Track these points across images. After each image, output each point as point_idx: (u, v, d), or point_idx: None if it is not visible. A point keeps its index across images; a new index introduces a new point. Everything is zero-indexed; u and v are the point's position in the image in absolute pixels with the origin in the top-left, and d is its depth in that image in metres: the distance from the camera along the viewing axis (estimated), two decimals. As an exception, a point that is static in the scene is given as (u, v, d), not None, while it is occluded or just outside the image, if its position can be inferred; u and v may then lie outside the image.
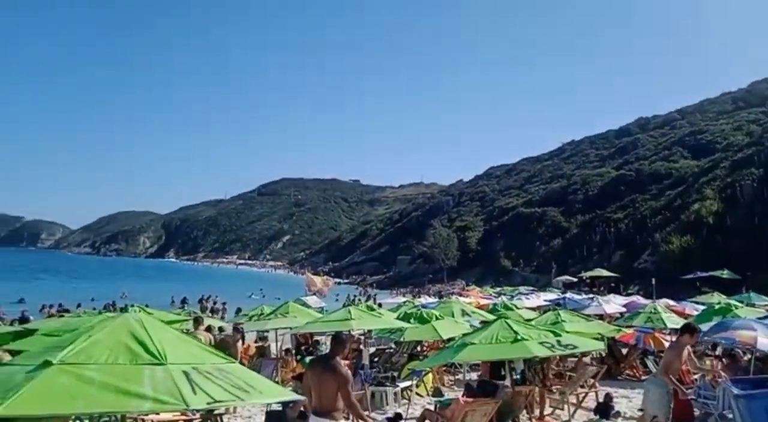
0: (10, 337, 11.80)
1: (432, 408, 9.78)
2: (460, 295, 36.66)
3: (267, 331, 18.04)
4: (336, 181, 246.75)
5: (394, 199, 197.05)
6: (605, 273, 47.90)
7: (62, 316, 15.51)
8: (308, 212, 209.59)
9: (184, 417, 9.12)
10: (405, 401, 12.23)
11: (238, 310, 25.94)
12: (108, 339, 4.03)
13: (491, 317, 15.70)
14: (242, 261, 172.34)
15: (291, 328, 15.49)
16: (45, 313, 26.22)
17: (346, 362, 11.66)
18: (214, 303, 37.26)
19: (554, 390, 11.48)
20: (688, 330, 8.32)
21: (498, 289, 45.96)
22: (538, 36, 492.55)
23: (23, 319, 17.63)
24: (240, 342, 15.44)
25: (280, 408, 9.59)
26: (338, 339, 6.51)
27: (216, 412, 9.45)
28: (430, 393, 12.76)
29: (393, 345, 17.05)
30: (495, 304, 23.99)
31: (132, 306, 5.60)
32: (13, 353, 10.73)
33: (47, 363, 3.70)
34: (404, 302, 25.77)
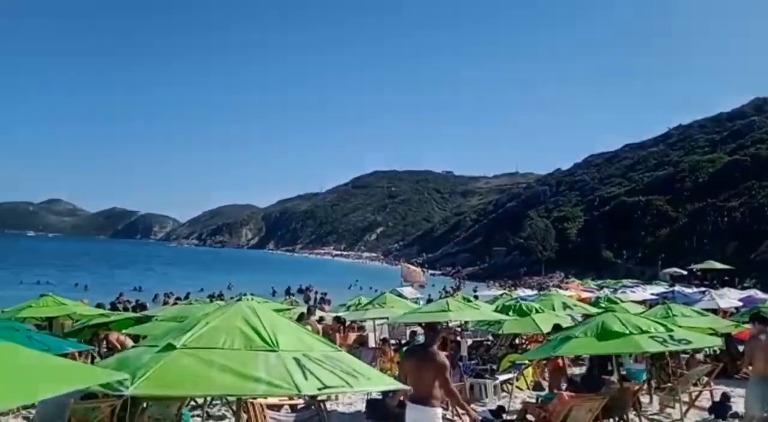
0: (131, 322, 12.75)
1: (533, 401, 9.59)
2: (559, 288, 35.61)
3: (365, 321, 18.37)
4: (429, 173, 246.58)
5: (488, 190, 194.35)
6: (718, 265, 44.81)
7: (176, 304, 16.52)
8: (401, 204, 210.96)
9: (290, 402, 9.45)
10: (505, 394, 12.06)
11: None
12: (224, 325, 4.25)
13: (594, 310, 15.15)
14: (338, 253, 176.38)
15: (388, 318, 15.67)
16: (159, 301, 28.00)
17: (444, 353, 11.68)
18: (316, 293, 38.39)
19: (664, 388, 10.92)
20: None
21: (600, 282, 44.21)
22: (637, 17, 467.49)
23: (141, 306, 18.97)
24: (342, 331, 15.83)
25: (380, 397, 9.73)
26: (433, 328, 6.53)
27: (319, 398, 9.73)
28: (531, 386, 12.50)
29: (491, 338, 16.85)
30: (598, 297, 23.11)
31: (245, 295, 5.88)
32: (133, 337, 11.63)
33: (171, 347, 3.95)
34: (501, 294, 25.39)
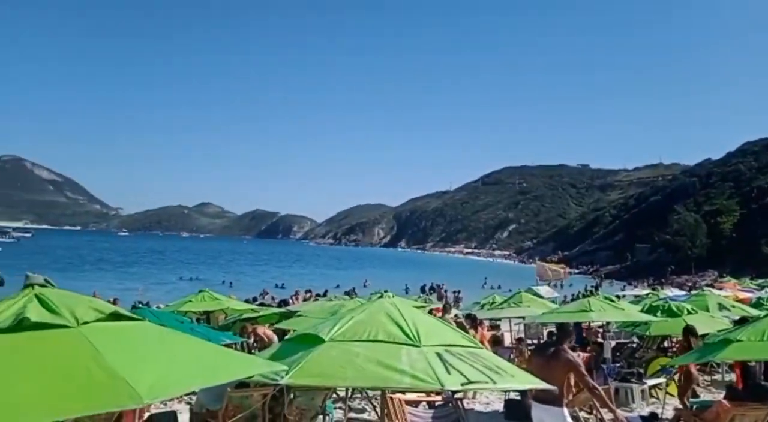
0: (276, 317, 13.52)
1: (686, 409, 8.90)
2: (712, 287, 32.77)
3: (499, 320, 18.07)
4: (563, 167, 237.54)
5: (629, 183, 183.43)
6: None
7: (316, 300, 17.29)
8: (534, 200, 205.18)
9: (427, 399, 9.54)
10: (654, 400, 11.33)
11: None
12: (368, 320, 4.39)
13: (755, 312, 13.78)
14: (469, 251, 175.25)
15: (524, 318, 15.30)
16: (299, 297, 29.40)
17: (586, 354, 11.18)
18: (446, 291, 38.43)
19: None
20: None
21: (761, 281, 40.09)
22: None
23: (284, 302, 20.06)
24: (474, 330, 15.68)
25: (519, 398, 9.53)
26: (564, 328, 6.34)
27: (457, 397, 9.72)
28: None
29: (636, 340, 15.90)
30: (759, 298, 20.99)
31: (386, 291, 6.05)
32: (276, 331, 12.33)
33: (320, 340, 4.16)
34: (647, 294, 23.85)
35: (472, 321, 15.90)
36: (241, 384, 7.43)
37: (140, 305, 15.03)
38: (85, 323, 2.99)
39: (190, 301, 13.40)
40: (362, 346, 4.05)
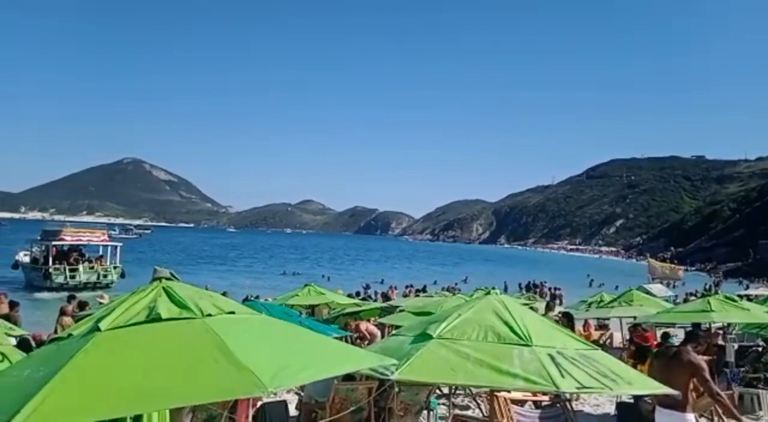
0: (378, 312, 13.70)
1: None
2: None
3: (608, 320, 17.31)
4: (675, 159, 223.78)
5: (750, 175, 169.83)
6: None
7: (417, 296, 17.36)
8: (643, 194, 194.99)
9: (533, 398, 9.31)
10: (785, 409, 10.41)
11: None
12: (476, 318, 4.32)
13: None
14: (572, 247, 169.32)
15: (635, 317, 14.55)
16: (393, 292, 29.63)
17: (706, 358, 10.47)
18: (549, 289, 37.36)
19: None
20: None
21: None
22: None
23: (387, 297, 20.31)
24: (571, 329, 15.09)
25: (632, 401, 9.07)
26: (693, 334, 5.97)
27: (565, 398, 9.41)
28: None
29: (762, 343, 14.69)
30: None
31: (493, 288, 5.94)
32: (378, 325, 12.47)
33: (428, 337, 4.15)
34: (773, 294, 21.99)
35: (568, 320, 15.30)
36: (347, 377, 7.59)
37: (252, 299, 15.70)
38: (209, 315, 3.15)
39: (297, 295, 13.84)
40: (471, 346, 3.99)
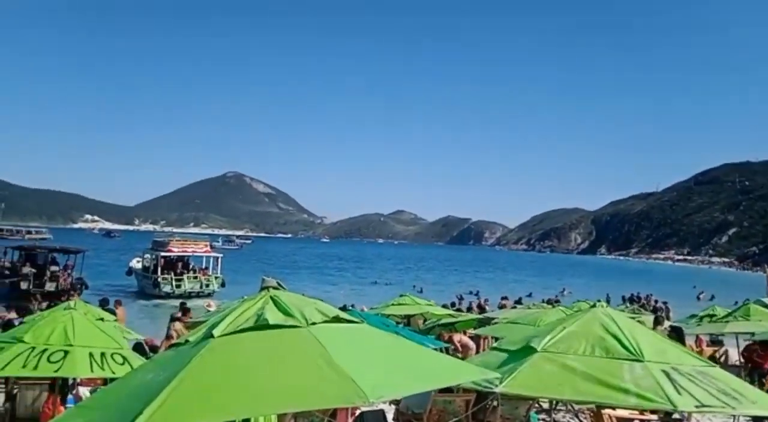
0: (474, 323, 13.51)
1: None
2: None
3: (722, 335, 16.14)
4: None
5: None
6: None
7: (514, 307, 17.01)
8: (759, 200, 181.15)
9: (641, 417, 8.83)
10: None
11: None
12: (582, 331, 4.16)
13: None
14: (680, 257, 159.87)
15: (753, 334, 13.47)
16: (482, 303, 29.05)
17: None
18: (656, 302, 35.37)
19: None
20: None
21: None
22: None
23: (482, 308, 20.02)
24: (681, 344, 14.18)
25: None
26: None
27: (675, 416, 8.87)
28: None
29: None
30: None
31: (599, 301, 5.70)
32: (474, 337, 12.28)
33: (531, 350, 4.03)
34: None
35: (678, 335, 14.38)
36: (445, 389, 7.53)
37: (350, 308, 15.96)
38: (313, 324, 3.23)
39: (392, 305, 13.91)
40: (578, 360, 3.84)
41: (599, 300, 4.78)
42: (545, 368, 3.83)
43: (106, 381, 9.36)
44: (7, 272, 31.05)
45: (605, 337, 4.03)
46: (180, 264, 36.58)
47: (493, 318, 13.62)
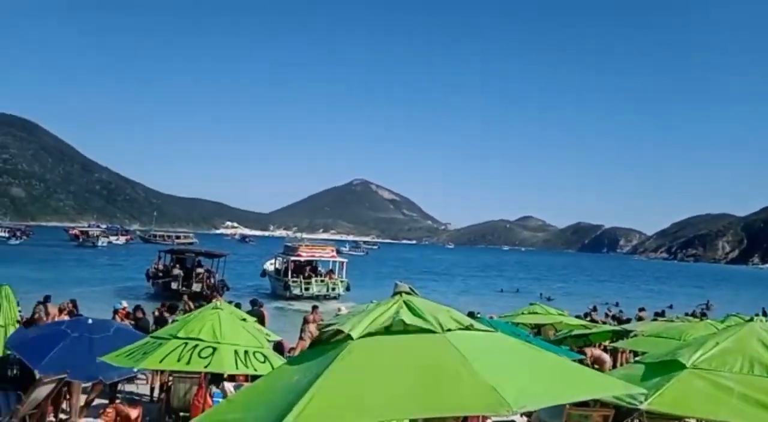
0: (609, 336, 12.85)
1: None
2: None
3: None
4: None
5: None
6: None
7: (655, 320, 15.93)
8: None
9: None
10: None
11: None
12: (737, 347, 3.84)
13: None
14: None
15: None
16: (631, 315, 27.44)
17: None
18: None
19: None
20: None
21: None
22: None
23: (619, 319, 18.99)
24: None
25: None
26: None
27: None
28: None
29: None
30: None
31: (756, 315, 5.20)
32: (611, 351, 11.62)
33: (680, 366, 3.76)
34: None
35: None
36: (581, 403, 7.22)
37: (477, 315, 15.82)
38: (449, 330, 3.23)
39: (522, 314, 13.59)
40: (734, 379, 3.54)
41: (757, 314, 4.37)
42: (696, 385, 3.56)
43: (247, 378, 10.00)
44: (160, 273, 34.17)
45: (765, 355, 3.67)
46: (308, 268, 38.73)
47: (631, 331, 12.86)
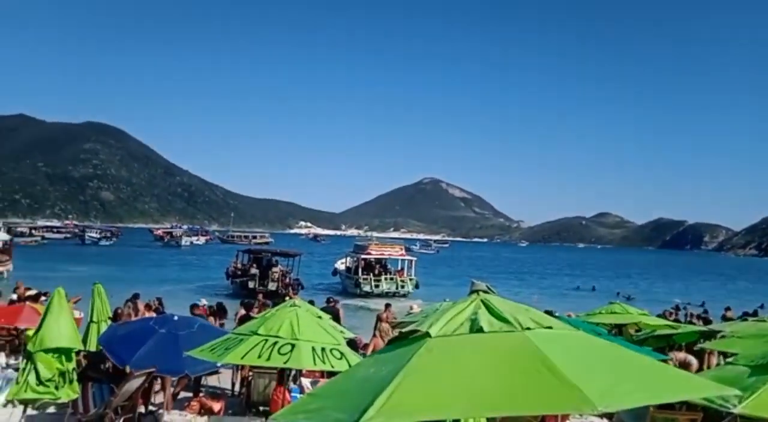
0: (695, 336, 12.25)
1: None
2: None
3: None
4: None
5: None
6: None
7: (745, 320, 15.10)
8: None
9: None
10: None
11: None
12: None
13: None
14: None
15: None
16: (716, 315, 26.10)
17: None
18: None
19: None
20: None
21: None
22: None
23: (706, 319, 18.10)
24: None
25: None
26: None
27: None
28: None
29: None
30: None
31: None
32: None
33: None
34: None
35: None
36: (665, 405, 6.94)
37: (556, 314, 15.49)
38: (528, 328, 3.19)
39: (601, 313, 13.19)
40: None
41: None
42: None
43: (323, 374, 10.20)
44: (239, 272, 35.37)
45: None
46: (378, 266, 39.19)
47: (719, 331, 12.22)
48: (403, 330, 3.72)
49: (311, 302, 14.01)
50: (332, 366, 6.68)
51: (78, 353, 9.01)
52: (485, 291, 3.67)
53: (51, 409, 8.95)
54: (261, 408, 9.50)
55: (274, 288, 31.01)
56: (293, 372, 9.79)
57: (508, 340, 3.10)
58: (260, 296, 19.88)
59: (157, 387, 9.87)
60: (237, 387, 11.55)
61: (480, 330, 3.22)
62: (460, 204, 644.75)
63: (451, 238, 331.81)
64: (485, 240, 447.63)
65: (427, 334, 3.23)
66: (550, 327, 3.28)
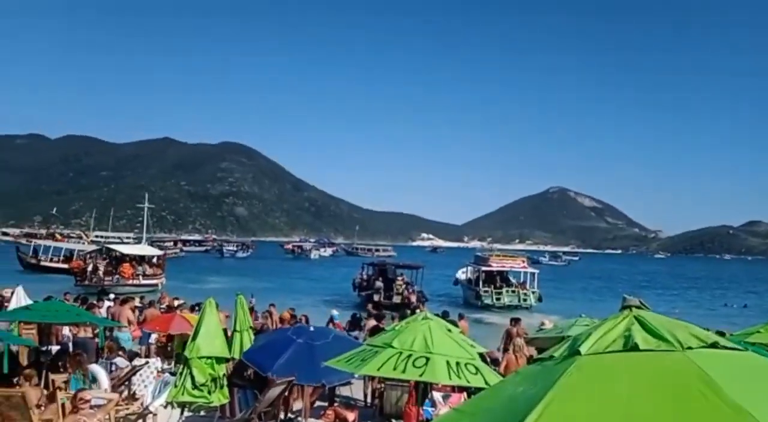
0: None
1: None
2: None
3: None
4: None
5: None
6: None
7: None
8: None
9: None
10: None
11: None
12: None
13: None
14: None
15: None
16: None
17: None
18: None
19: None
20: None
21: None
22: None
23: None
24: None
25: None
26: None
27: None
28: None
29: None
30: None
31: None
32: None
33: None
34: None
35: None
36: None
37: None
38: (690, 348, 2.94)
39: (759, 332, 11.96)
40: None
41: None
42: None
43: (453, 388, 10.11)
44: (364, 284, 36.25)
45: None
46: (499, 278, 38.34)
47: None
48: (547, 348, 3.59)
49: (445, 314, 13.96)
50: (468, 382, 6.60)
51: (228, 360, 9.63)
52: (638, 307, 3.46)
53: (202, 412, 9.62)
54: (393, 421, 9.61)
55: (399, 301, 31.41)
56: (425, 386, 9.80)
57: (666, 360, 2.87)
58: (374, 309, 20.23)
59: (293, 395, 10.30)
60: (369, 399, 11.78)
61: (635, 347, 3.02)
62: (590, 213, 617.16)
63: (581, 250, 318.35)
64: (619, 251, 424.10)
65: (577, 352, 3.08)
66: (715, 346, 3.01)
